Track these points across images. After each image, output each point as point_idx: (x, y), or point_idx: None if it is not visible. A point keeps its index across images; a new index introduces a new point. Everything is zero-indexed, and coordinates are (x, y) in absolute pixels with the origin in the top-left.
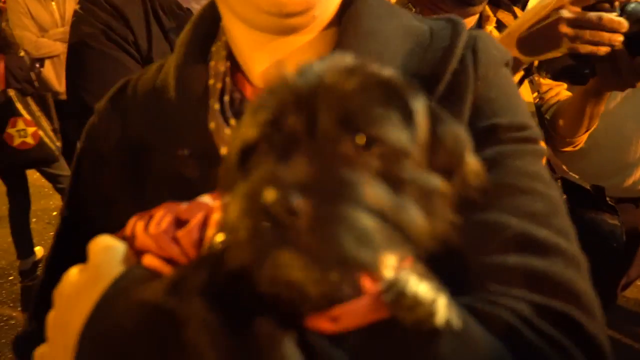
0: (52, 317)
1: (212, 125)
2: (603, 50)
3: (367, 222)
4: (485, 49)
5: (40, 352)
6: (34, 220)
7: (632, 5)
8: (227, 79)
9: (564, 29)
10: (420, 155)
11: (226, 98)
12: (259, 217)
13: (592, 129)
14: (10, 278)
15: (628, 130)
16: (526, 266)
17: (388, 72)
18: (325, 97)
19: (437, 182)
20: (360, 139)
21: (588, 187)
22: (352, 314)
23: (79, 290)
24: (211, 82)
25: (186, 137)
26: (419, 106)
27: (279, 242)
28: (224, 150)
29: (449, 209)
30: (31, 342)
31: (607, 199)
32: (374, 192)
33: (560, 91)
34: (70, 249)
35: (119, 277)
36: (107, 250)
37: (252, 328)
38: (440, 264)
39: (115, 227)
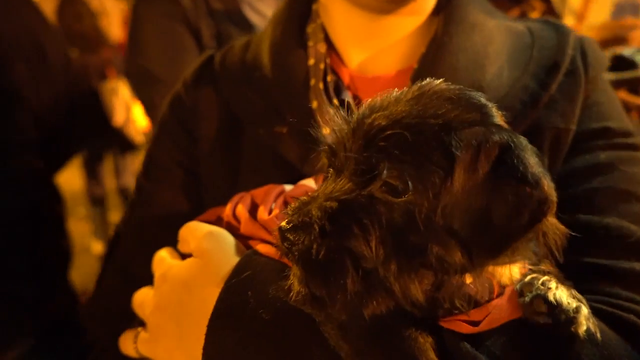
0: (152, 296)
1: (314, 104)
2: None
3: None
4: (593, 52)
5: (139, 337)
6: None
7: None
8: (328, 60)
9: None
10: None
11: (329, 78)
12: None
13: None
14: None
15: None
16: None
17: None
18: (360, 136)
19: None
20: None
21: None
22: (490, 318)
23: (193, 274)
24: (311, 62)
25: (284, 115)
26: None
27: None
28: (325, 130)
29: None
30: (95, 309)
31: None
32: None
33: None
34: (145, 218)
35: (240, 266)
36: (213, 236)
37: (395, 333)
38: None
39: (197, 200)
